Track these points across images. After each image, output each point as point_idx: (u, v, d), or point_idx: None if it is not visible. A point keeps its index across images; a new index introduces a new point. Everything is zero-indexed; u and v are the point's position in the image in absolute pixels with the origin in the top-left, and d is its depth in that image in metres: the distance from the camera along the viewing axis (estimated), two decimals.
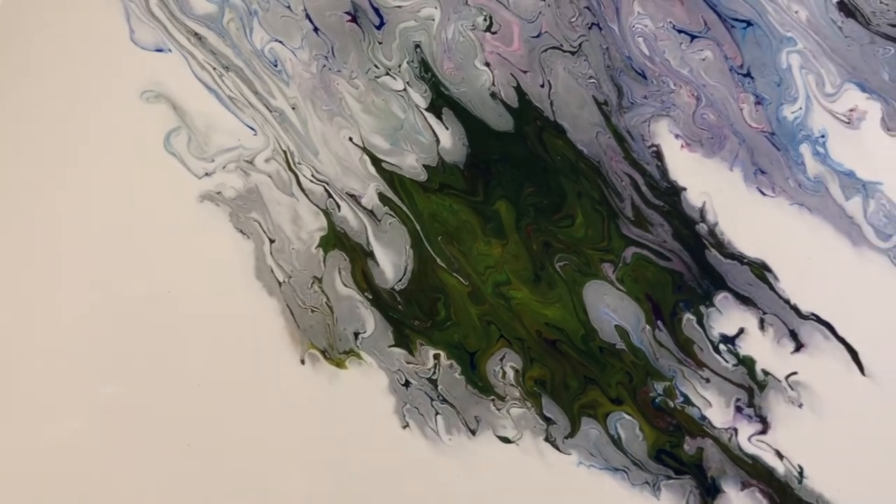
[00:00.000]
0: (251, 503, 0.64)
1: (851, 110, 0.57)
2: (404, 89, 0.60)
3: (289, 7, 0.59)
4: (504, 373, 0.61)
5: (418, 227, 0.61)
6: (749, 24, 0.57)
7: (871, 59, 0.58)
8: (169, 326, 0.63)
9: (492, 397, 0.61)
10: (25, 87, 0.63)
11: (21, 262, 0.64)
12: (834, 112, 0.57)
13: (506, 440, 0.61)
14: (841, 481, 0.58)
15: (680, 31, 0.58)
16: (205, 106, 0.60)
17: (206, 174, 0.61)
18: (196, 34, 0.60)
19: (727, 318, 0.59)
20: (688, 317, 0.59)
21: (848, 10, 0.58)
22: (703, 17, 0.57)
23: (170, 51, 0.60)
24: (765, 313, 0.58)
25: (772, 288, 0.58)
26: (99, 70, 0.61)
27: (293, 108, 0.61)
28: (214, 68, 0.60)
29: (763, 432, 0.59)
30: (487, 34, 0.59)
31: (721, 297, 0.59)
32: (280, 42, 0.60)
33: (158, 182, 0.61)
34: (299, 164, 0.61)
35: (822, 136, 0.57)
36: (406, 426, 0.61)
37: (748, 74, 0.58)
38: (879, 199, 0.57)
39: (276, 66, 0.60)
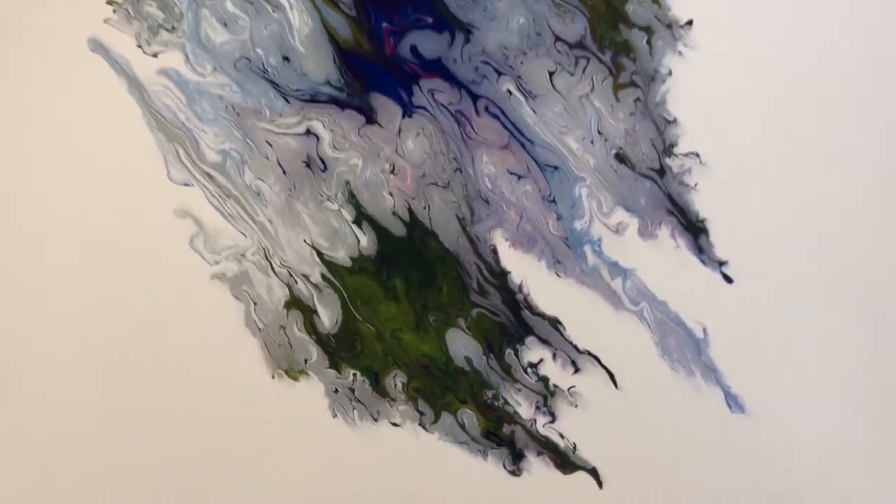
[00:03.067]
0: (234, 467, 0.72)
1: (619, 223, 0.70)
2: (338, 210, 0.71)
3: (266, 157, 0.71)
4: (396, 384, 0.72)
5: (345, 296, 0.72)
6: (556, 168, 0.70)
7: (634, 189, 0.70)
8: (185, 362, 0.71)
9: (387, 399, 0.72)
10: (99, 211, 0.71)
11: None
12: (607, 224, 0.70)
13: (395, 425, 0.72)
14: (601, 452, 0.71)
15: (511, 174, 0.71)
16: (214, 220, 0.71)
17: (216, 262, 0.71)
18: (208, 174, 0.71)
19: (533, 352, 0.72)
20: (509, 351, 0.72)
21: (621, 158, 0.70)
22: (527, 165, 0.71)
23: (192, 185, 0.71)
24: (556, 349, 0.71)
25: (561, 334, 0.71)
26: (144, 199, 0.71)
27: (269, 222, 0.71)
28: (220, 196, 0.71)
29: (552, 422, 0.72)
30: (391, 175, 0.71)
31: (529, 339, 0.72)
32: (261, 180, 0.71)
33: (184, 269, 0.71)
34: (272, 256, 0.71)
35: (599, 240, 0.70)
36: (335, 416, 0.72)
37: (553, 200, 0.70)
38: (634, 279, 0.70)
39: (259, 195, 0.71)
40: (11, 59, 0.70)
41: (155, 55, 0.71)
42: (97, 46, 0.70)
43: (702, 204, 0.70)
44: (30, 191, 0.71)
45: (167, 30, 0.71)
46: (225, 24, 0.71)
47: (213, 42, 0.71)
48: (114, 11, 0.70)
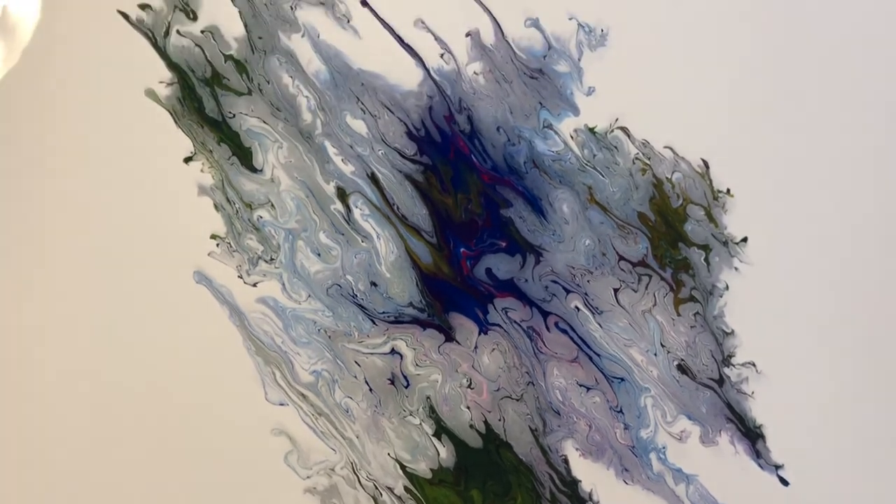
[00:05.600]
0: None
1: (682, 431, 0.73)
2: (420, 424, 0.74)
3: (355, 377, 0.73)
4: None
5: None
6: (622, 379, 0.74)
7: (696, 399, 0.73)
8: None
9: None
10: (201, 432, 0.72)
11: None
12: (671, 432, 0.73)
13: None
14: None
15: (580, 385, 0.74)
16: (307, 437, 0.73)
17: (308, 477, 0.73)
18: (302, 394, 0.73)
19: None
20: None
21: (683, 369, 0.74)
22: (595, 377, 0.74)
23: (287, 404, 0.73)
24: None
25: None
26: (244, 419, 0.73)
27: (357, 438, 0.73)
28: (313, 414, 0.73)
29: None
30: (468, 389, 0.73)
31: None
32: (350, 398, 0.73)
33: (279, 483, 0.73)
34: (360, 469, 0.73)
35: (664, 448, 0.73)
36: None
37: (620, 411, 0.73)
38: (696, 485, 0.74)
39: (347, 412, 0.73)
40: (123, 291, 0.74)
41: (254, 284, 0.75)
42: (202, 278, 0.75)
43: (758, 411, 0.73)
44: (138, 419, 0.74)
45: (266, 261, 0.76)
46: (318, 255, 0.76)
47: (308, 271, 0.76)
48: (217, 246, 0.75)
